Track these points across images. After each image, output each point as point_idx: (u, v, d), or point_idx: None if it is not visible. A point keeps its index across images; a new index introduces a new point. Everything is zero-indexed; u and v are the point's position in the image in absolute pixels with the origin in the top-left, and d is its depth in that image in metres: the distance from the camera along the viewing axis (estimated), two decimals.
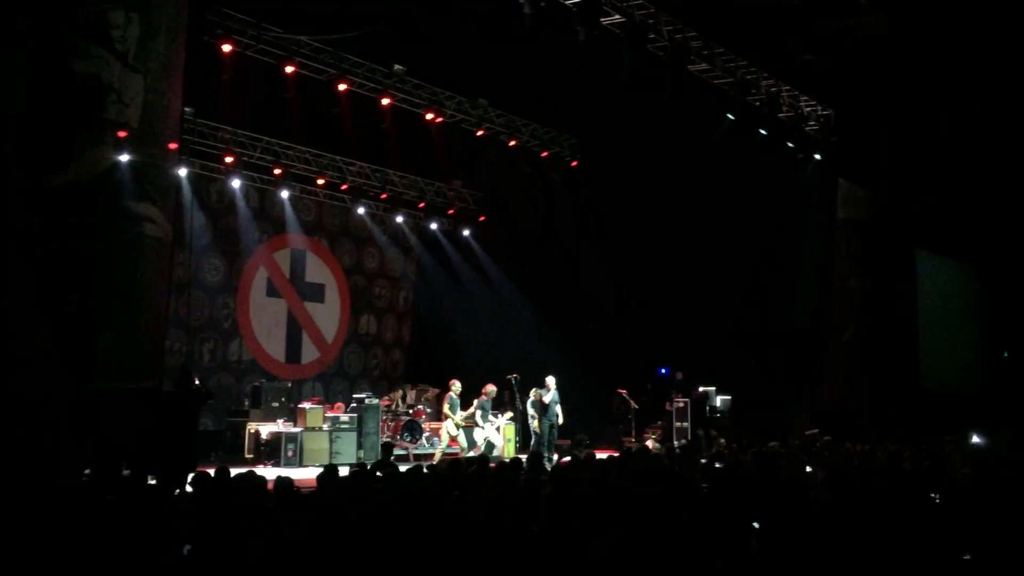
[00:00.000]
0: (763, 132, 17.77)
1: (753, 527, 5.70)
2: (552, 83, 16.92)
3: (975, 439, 14.50)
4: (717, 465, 9.80)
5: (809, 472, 9.29)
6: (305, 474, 11.88)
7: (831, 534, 5.46)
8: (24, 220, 10.24)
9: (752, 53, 16.94)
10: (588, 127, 19.37)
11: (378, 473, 7.99)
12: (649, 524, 5.60)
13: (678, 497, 6.61)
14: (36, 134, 10.32)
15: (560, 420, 15.39)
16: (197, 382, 12.70)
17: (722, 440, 14.56)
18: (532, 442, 15.77)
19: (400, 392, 17.38)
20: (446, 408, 14.82)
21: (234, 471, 7.34)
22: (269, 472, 10.58)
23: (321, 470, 7.57)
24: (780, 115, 18.12)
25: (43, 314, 10.31)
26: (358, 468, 8.17)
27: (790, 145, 18.47)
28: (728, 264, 18.30)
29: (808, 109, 18.88)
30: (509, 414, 15.95)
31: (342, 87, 15.93)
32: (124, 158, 11.22)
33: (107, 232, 10.96)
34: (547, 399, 15.26)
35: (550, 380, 15.48)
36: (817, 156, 18.87)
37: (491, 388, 15.31)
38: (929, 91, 19.52)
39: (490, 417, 15.36)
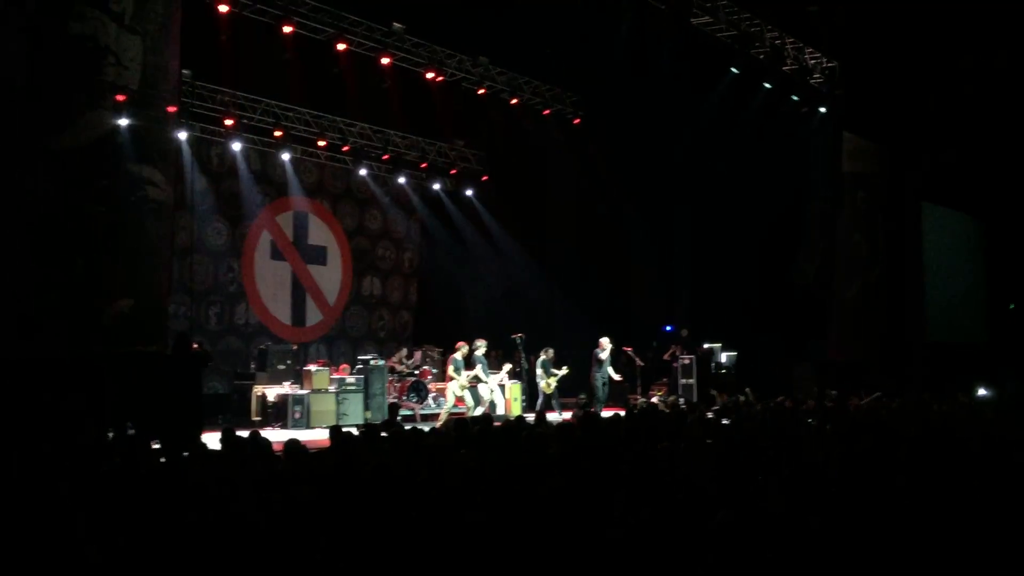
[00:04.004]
0: (767, 85, 17.58)
1: (758, 483, 5.71)
2: (554, 40, 16.72)
3: (981, 391, 14.51)
4: (724, 421, 9.81)
5: (812, 426, 9.29)
6: (313, 436, 11.93)
7: (834, 489, 5.46)
8: (26, 184, 10.21)
9: (755, 5, 16.71)
10: (591, 84, 19.17)
11: (383, 433, 8.00)
12: (656, 481, 5.61)
13: (684, 454, 6.62)
14: (34, 98, 10.25)
15: (617, 376, 16.06)
16: (196, 345, 12.69)
17: (724, 396, 14.59)
18: (539, 401, 15.82)
19: (402, 352, 17.38)
20: (450, 370, 14.83)
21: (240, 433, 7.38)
22: (276, 434, 10.66)
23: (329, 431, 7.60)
24: (784, 68, 17.90)
25: (48, 279, 10.31)
26: (366, 428, 8.20)
27: (795, 98, 18.29)
28: (734, 220, 18.18)
29: (813, 61, 18.66)
30: (508, 366, 15.91)
31: (341, 47, 15.76)
32: (124, 121, 11.16)
33: (110, 196, 10.93)
34: (603, 356, 15.74)
35: (605, 340, 15.87)
36: (822, 109, 18.69)
37: (479, 343, 15.27)
38: (935, 43, 19.26)
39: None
